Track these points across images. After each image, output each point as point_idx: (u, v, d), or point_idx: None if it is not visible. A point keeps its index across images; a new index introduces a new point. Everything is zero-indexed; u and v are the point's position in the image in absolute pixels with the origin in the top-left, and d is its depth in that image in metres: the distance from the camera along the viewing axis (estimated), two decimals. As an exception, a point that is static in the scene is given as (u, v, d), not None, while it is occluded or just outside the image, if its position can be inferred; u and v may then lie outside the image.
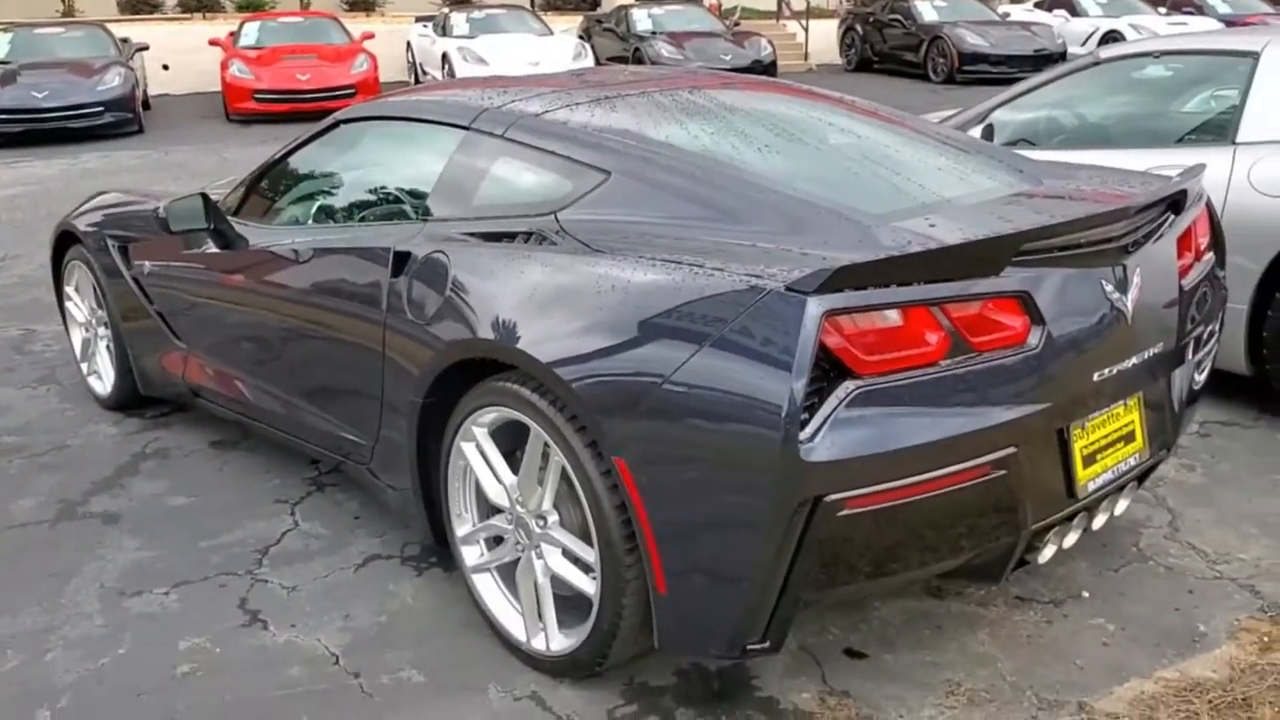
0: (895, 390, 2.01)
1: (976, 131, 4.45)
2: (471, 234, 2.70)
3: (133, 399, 4.15)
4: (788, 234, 2.26)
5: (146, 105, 14.39)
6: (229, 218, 3.53)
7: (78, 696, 2.52)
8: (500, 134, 2.83)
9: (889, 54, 18.09)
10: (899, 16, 17.82)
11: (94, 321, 4.28)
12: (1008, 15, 18.39)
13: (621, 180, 2.54)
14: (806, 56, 19.95)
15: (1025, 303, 2.16)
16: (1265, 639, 2.61)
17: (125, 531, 3.30)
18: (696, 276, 2.12)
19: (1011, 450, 2.14)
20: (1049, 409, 2.19)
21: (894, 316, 2.03)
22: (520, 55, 14.46)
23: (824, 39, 19.98)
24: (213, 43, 15.08)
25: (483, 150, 2.86)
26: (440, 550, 2.96)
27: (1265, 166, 3.69)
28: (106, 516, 3.40)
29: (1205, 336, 2.77)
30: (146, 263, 3.86)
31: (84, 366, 4.42)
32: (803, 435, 1.93)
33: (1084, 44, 16.20)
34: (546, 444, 2.35)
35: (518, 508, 2.51)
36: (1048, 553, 2.41)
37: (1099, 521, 2.54)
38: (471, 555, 2.71)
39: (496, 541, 2.63)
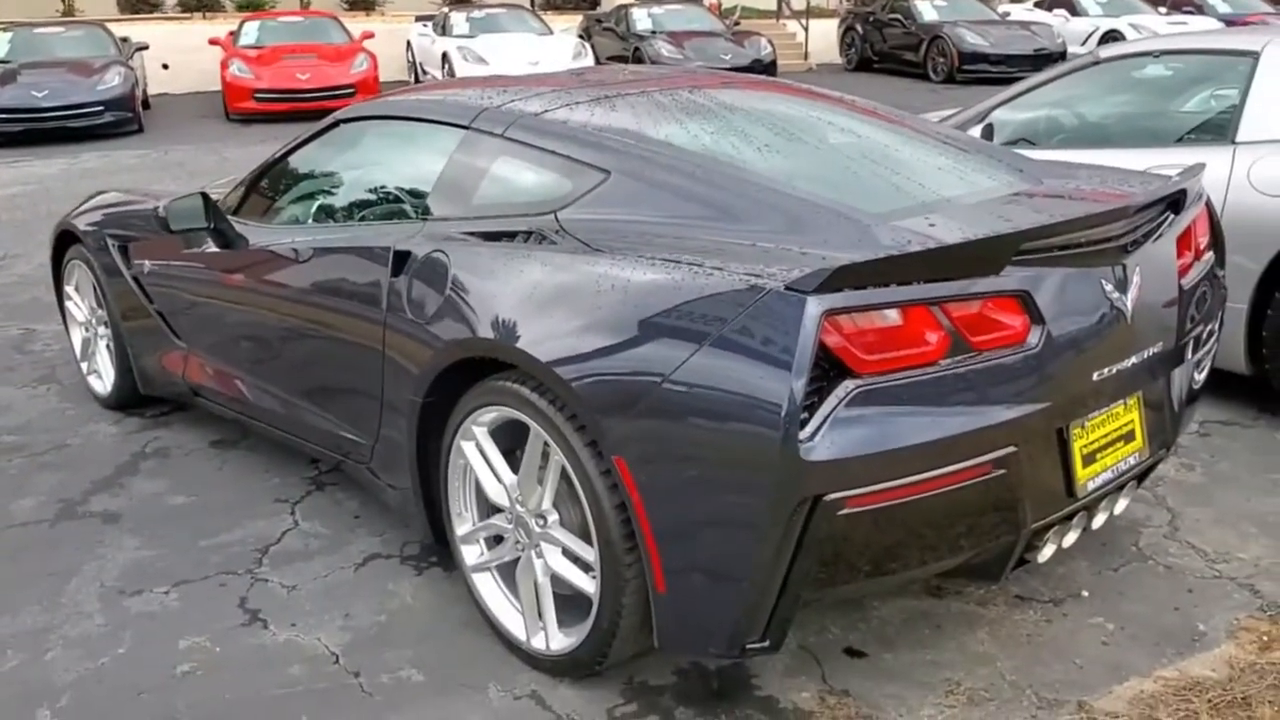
0: (895, 389, 2.01)
1: (976, 131, 4.45)
2: (471, 233, 2.71)
3: (133, 398, 4.16)
4: (787, 233, 2.26)
5: (146, 105, 14.39)
6: (229, 217, 3.53)
7: (78, 696, 2.52)
8: (500, 133, 2.83)
9: (889, 53, 18.09)
10: (899, 16, 17.82)
11: (94, 321, 4.28)
12: (1007, 15, 18.39)
13: (621, 180, 2.54)
14: (806, 56, 19.95)
15: (1025, 302, 2.16)
16: (1264, 638, 2.61)
17: (125, 531, 3.30)
18: (696, 276, 2.12)
19: (1011, 449, 2.14)
20: (1049, 408, 2.20)
21: (894, 316, 2.03)
22: (520, 55, 14.45)
23: (824, 38, 19.98)
24: (213, 42, 15.08)
25: (483, 149, 2.86)
26: (440, 549, 2.96)
27: (1265, 166, 3.69)
28: (106, 516, 3.40)
29: (1205, 336, 2.77)
30: (146, 262, 3.86)
31: (84, 366, 4.42)
32: (802, 434, 1.93)
33: (1084, 43, 16.20)
34: (546, 443, 2.36)
35: (517, 507, 2.51)
36: (1047, 552, 2.41)
37: (1098, 521, 2.54)
38: (471, 554, 2.71)
39: (496, 541, 2.64)
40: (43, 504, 3.49)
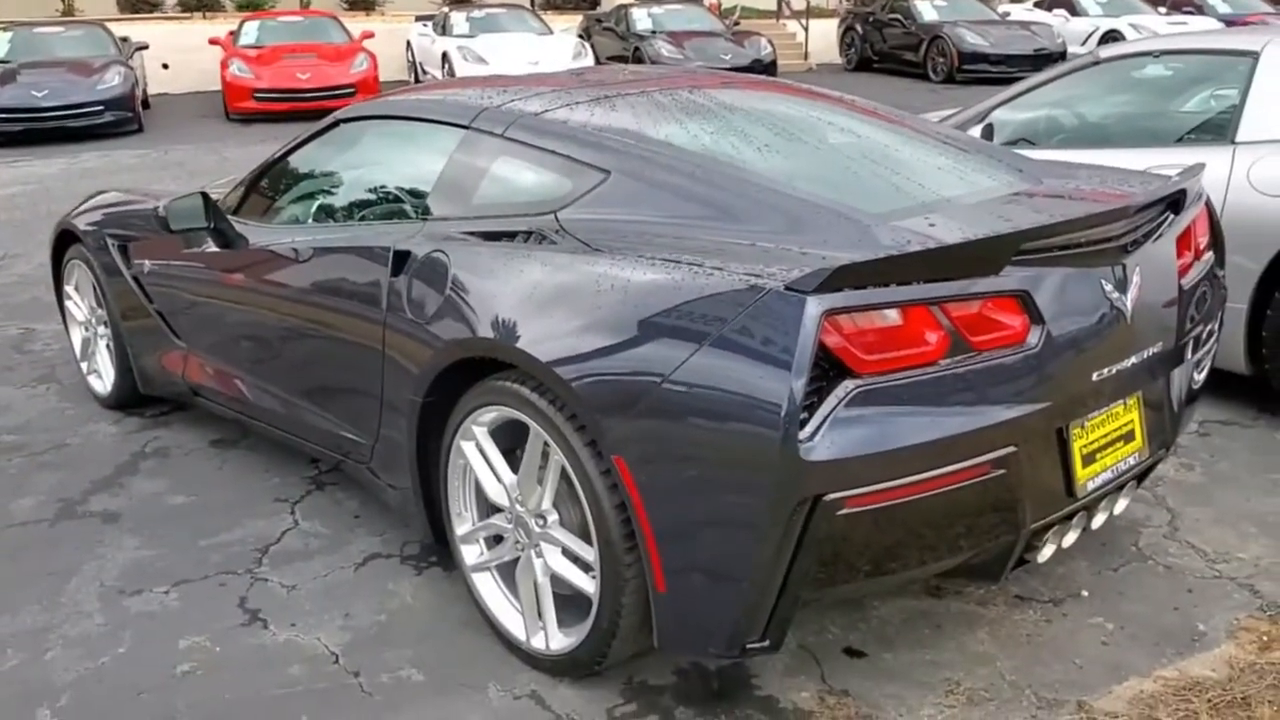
0: (895, 389, 2.01)
1: (976, 131, 4.45)
2: (471, 233, 2.71)
3: (132, 398, 4.16)
4: (787, 233, 2.26)
5: (146, 104, 14.40)
6: (229, 217, 3.53)
7: (78, 695, 2.52)
8: (500, 133, 2.83)
9: (889, 53, 18.09)
10: (899, 16, 17.82)
11: (94, 320, 4.28)
12: (1007, 15, 18.39)
13: (621, 179, 2.54)
14: (806, 56, 19.95)
15: (1025, 302, 2.16)
16: (1264, 638, 2.61)
17: (125, 530, 3.30)
18: (696, 276, 2.12)
19: (1011, 449, 2.14)
20: (1048, 408, 2.20)
21: (893, 316, 2.03)
22: (520, 54, 14.45)
23: (824, 38, 19.98)
24: (212, 42, 15.08)
25: (482, 149, 2.86)
26: (440, 549, 2.96)
27: (1265, 166, 3.69)
28: (106, 515, 3.40)
29: (1204, 336, 2.77)
30: (146, 262, 3.86)
31: (84, 365, 4.42)
32: (802, 434, 1.93)
33: (1084, 43, 16.21)
34: (546, 443, 2.36)
35: (517, 507, 2.51)
36: (1047, 552, 2.41)
37: (1098, 520, 2.54)
38: (471, 554, 2.71)
39: (496, 540, 2.64)
40: (42, 503, 3.49)
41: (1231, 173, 3.73)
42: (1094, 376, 2.30)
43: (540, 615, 2.50)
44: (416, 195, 3.03)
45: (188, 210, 3.42)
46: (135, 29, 16.76)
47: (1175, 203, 2.62)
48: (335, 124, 3.43)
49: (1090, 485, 2.38)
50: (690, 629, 2.20)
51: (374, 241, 2.89)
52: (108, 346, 4.20)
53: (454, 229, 2.75)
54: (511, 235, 2.61)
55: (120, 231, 4.00)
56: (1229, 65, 4.07)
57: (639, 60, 16.14)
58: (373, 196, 3.24)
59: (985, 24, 16.94)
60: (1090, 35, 16.76)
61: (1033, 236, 2.16)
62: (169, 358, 3.88)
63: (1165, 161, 3.70)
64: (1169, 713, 2.36)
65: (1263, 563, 2.95)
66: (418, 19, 18.20)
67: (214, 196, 3.56)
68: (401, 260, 2.76)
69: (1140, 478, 2.64)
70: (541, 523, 2.46)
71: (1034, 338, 2.17)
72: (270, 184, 3.62)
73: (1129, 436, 2.49)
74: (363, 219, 3.17)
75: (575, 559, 2.40)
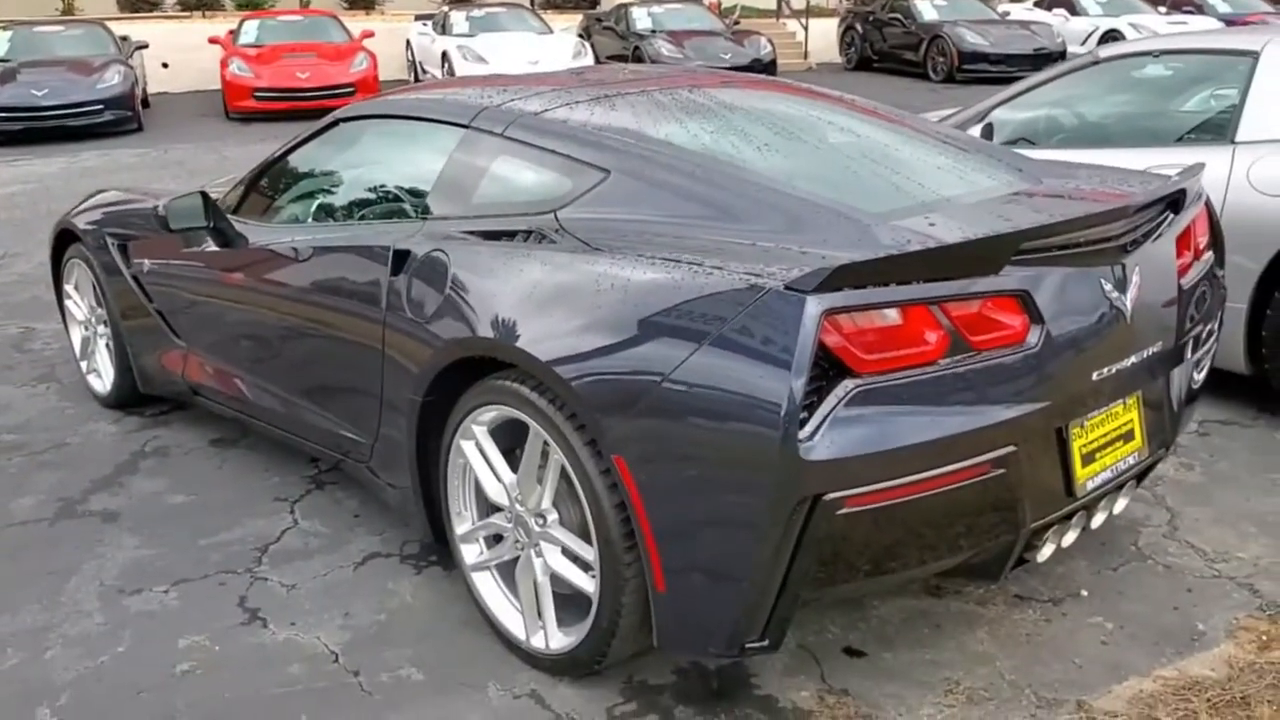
0: (894, 389, 2.01)
1: (976, 130, 4.46)
2: (471, 232, 2.70)
3: (132, 397, 4.16)
4: (787, 232, 2.26)
5: (146, 103, 14.39)
6: (228, 216, 3.53)
7: (77, 694, 2.52)
8: (500, 132, 2.83)
9: (889, 53, 18.09)
10: (899, 15, 17.81)
11: (93, 320, 4.28)
12: (1007, 14, 18.38)
13: (621, 179, 2.54)
14: (806, 55, 19.95)
15: (1024, 302, 2.16)
16: (1264, 638, 2.61)
17: (125, 529, 3.30)
18: (696, 275, 2.12)
19: (1010, 449, 2.14)
20: (1048, 408, 2.20)
21: (893, 315, 2.03)
22: (520, 54, 14.45)
23: (824, 38, 19.98)
24: (212, 41, 15.08)
25: (482, 149, 2.86)
26: (440, 548, 2.96)
27: (1264, 166, 3.69)
28: (106, 514, 3.40)
29: (1204, 335, 2.77)
30: (146, 261, 3.86)
31: (83, 365, 4.42)
32: (802, 434, 1.93)
33: (1084, 43, 16.20)
34: (546, 442, 2.36)
35: (517, 506, 2.51)
36: (1047, 551, 2.41)
37: (1098, 520, 2.54)
38: (471, 553, 2.71)
39: (496, 540, 2.64)
40: (42, 503, 3.49)
41: (1231, 172, 3.73)
42: (1094, 376, 2.30)
43: (540, 614, 2.50)
44: (416, 194, 3.03)
45: (187, 209, 3.42)
46: (135, 28, 16.76)
47: (1175, 202, 2.62)
48: (335, 123, 3.43)
49: (1090, 485, 2.38)
50: (690, 628, 2.20)
51: (374, 241, 2.89)
52: (107, 346, 4.20)
53: (454, 228, 2.75)
54: (511, 234, 2.61)
55: (120, 231, 4.00)
56: (1229, 65, 4.07)
57: (639, 59, 16.14)
58: (372, 196, 3.24)
59: (985, 23, 16.93)
60: (1090, 35, 16.76)
61: (1032, 236, 2.16)
62: (169, 357, 3.88)
63: (1165, 161, 3.70)
64: (1168, 712, 2.36)
65: (1262, 562, 2.95)
66: (417, 18, 18.19)
67: (213, 196, 3.56)
68: (401, 259, 2.76)
69: (1140, 477, 2.64)
70: (541, 522, 2.46)
71: (1034, 337, 2.17)
72: (270, 183, 3.62)
73: (1128, 436, 2.49)
74: (362, 218, 3.17)
75: (575, 558, 2.40)
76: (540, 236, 2.54)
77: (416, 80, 16.81)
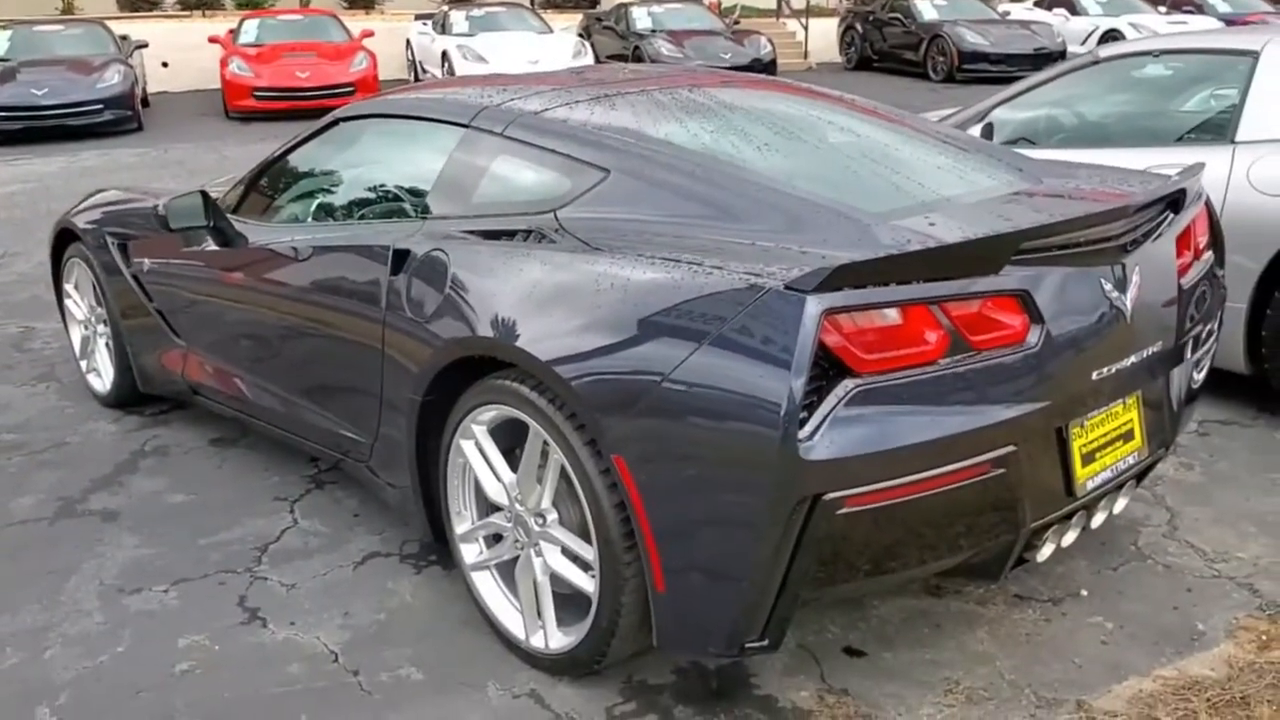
0: (894, 389, 2.01)
1: (976, 130, 4.46)
2: (471, 232, 2.70)
3: (132, 396, 4.15)
4: (787, 232, 2.26)
5: (146, 103, 14.39)
6: (228, 215, 3.53)
7: (77, 694, 2.52)
8: (500, 132, 2.83)
9: (889, 53, 18.08)
10: (899, 15, 17.81)
11: (93, 319, 4.28)
12: (1007, 14, 18.38)
13: (621, 178, 2.54)
14: (806, 55, 19.95)
15: (1024, 301, 2.16)
16: (1263, 637, 2.61)
17: (124, 529, 3.30)
18: (695, 275, 2.12)
19: (1010, 449, 2.14)
20: (1048, 408, 2.20)
21: (893, 315, 2.03)
22: (520, 53, 14.45)
23: (824, 37, 19.98)
24: (212, 40, 15.07)
25: (482, 148, 2.86)
26: (439, 548, 2.96)
27: (1264, 166, 3.69)
28: (106, 514, 3.40)
29: (1204, 335, 2.77)
30: (146, 260, 3.86)
31: (83, 364, 4.42)
32: (802, 434, 1.93)
33: (1084, 43, 16.20)
34: (546, 442, 2.36)
35: (517, 506, 2.51)
36: (1046, 551, 2.41)
37: (1098, 520, 2.54)
38: (470, 553, 2.71)
39: (495, 539, 2.64)
40: (42, 502, 3.49)
41: (1231, 172, 3.73)
42: (1093, 376, 2.30)
43: (539, 614, 2.50)
44: (416, 194, 3.03)
45: (187, 209, 3.42)
46: (135, 27, 16.76)
47: (1175, 202, 2.62)
48: (334, 123, 3.43)
49: (1090, 484, 2.38)
50: (689, 628, 2.20)
51: (373, 240, 2.89)
52: (107, 345, 4.20)
53: (453, 228, 2.75)
54: (511, 234, 2.61)
55: (120, 230, 4.00)
56: (1229, 65, 4.07)
57: (639, 59, 16.14)
58: (372, 195, 3.24)
59: (985, 23, 16.93)
60: (1090, 34, 16.76)
61: (1032, 236, 2.16)
62: (168, 356, 3.88)
63: (1165, 161, 3.70)
64: (1168, 712, 2.36)
65: (1262, 562, 2.95)
66: (417, 18, 18.20)
67: (213, 195, 3.56)
68: (401, 259, 2.76)
69: (1140, 477, 2.64)
70: (541, 522, 2.46)
71: (1033, 337, 2.17)
72: (270, 183, 3.62)
73: (1128, 436, 2.49)
74: (362, 218, 3.17)
75: (574, 558, 2.40)
76: (540, 236, 2.53)
77: (416, 80, 16.81)
